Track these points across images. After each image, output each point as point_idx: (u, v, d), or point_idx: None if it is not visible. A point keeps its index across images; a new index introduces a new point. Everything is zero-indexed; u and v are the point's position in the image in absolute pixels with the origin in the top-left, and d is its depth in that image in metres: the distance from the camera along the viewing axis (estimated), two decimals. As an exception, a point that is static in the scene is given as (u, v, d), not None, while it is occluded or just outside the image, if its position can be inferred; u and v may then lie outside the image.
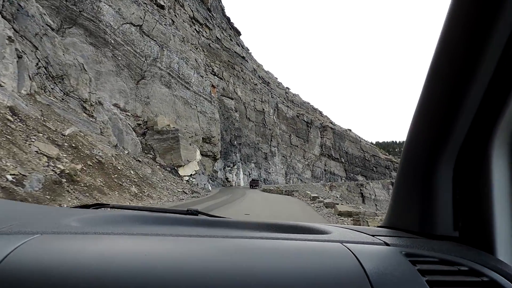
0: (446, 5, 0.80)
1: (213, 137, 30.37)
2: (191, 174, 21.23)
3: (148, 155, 20.20)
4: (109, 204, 1.53)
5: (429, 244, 0.85)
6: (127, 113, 22.48)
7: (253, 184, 44.35)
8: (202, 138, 28.75)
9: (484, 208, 0.84)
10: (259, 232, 1.02)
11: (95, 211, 1.22)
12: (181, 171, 20.30)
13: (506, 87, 0.77)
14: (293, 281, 0.64)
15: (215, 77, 48.25)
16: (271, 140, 74.46)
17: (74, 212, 1.13)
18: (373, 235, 0.95)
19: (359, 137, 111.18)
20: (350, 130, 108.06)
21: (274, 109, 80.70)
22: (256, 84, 75.04)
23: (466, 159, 0.88)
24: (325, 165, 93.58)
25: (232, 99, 53.66)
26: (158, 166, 19.57)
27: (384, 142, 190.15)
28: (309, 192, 32.25)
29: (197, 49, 35.71)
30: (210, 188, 25.12)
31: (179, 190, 17.93)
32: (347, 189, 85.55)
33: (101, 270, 0.61)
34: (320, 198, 26.90)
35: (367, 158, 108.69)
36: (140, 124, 22.16)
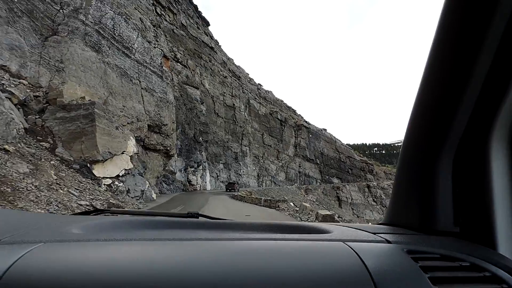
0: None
1: (164, 125, 22.46)
2: (118, 176, 13.41)
3: (41, 143, 12.15)
4: (109, 210, 1.54)
5: (430, 240, 0.86)
6: (22, 80, 14.25)
7: (230, 187, 40.84)
8: (148, 125, 20.82)
9: (484, 203, 0.84)
10: (260, 233, 1.04)
11: (95, 218, 1.20)
12: (97, 170, 12.51)
13: (503, 81, 0.77)
14: (297, 281, 0.64)
15: (178, 64, 40.63)
16: (242, 139, 67.51)
17: (75, 219, 1.11)
18: (374, 233, 0.95)
19: (334, 137, 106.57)
20: (325, 129, 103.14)
21: (246, 105, 73.97)
22: (226, 77, 68.13)
23: (465, 154, 0.89)
24: (300, 166, 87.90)
25: (197, 88, 45.89)
26: (54, 162, 11.57)
27: (355, 144, 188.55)
28: (292, 204, 26.56)
29: (155, 27, 27.33)
30: (154, 196, 17.33)
31: (82, 202, 10.09)
32: (323, 192, 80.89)
33: (106, 277, 0.61)
34: (307, 206, 20.34)
35: (342, 160, 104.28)
36: (39, 96, 13.99)
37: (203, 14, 65.47)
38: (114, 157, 13.31)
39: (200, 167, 42.78)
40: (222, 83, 65.58)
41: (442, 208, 0.91)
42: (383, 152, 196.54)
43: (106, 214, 1.48)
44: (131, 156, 14.58)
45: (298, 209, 22.66)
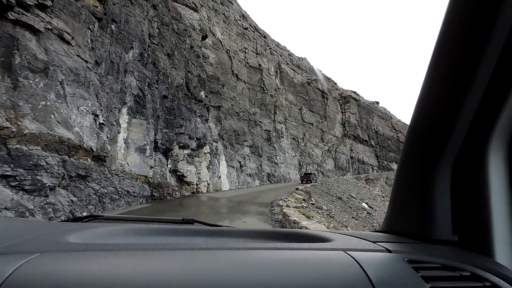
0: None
1: None
2: None
3: None
4: (102, 216, 1.51)
5: (430, 249, 0.87)
6: None
7: (305, 179, 35.63)
8: None
9: (482, 212, 0.86)
10: (258, 240, 1.03)
11: (89, 225, 1.19)
12: None
13: (502, 93, 0.79)
14: None
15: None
16: (275, 113, 47.31)
17: (69, 226, 1.10)
18: (374, 241, 0.96)
19: (389, 112, 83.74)
20: (377, 103, 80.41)
21: (276, 70, 53.52)
22: (246, 28, 47.97)
23: (463, 163, 0.90)
24: (351, 150, 66.40)
25: (194, 10, 25.78)
26: None
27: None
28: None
29: None
30: None
31: None
32: (386, 182, 59.76)
33: None
34: None
35: (401, 140, 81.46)
36: None
37: None
38: None
39: (205, 149, 22.72)
40: (241, 35, 45.72)
41: (441, 217, 0.91)
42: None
43: (98, 220, 1.45)
44: None
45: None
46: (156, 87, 16.68)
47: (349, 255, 0.79)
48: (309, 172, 41.32)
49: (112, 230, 1.07)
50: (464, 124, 0.84)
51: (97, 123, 10.44)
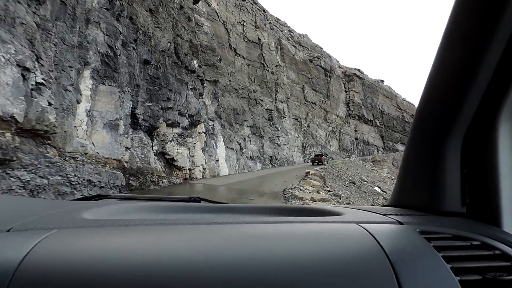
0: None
1: None
2: None
3: None
4: (110, 195, 1.52)
5: (440, 221, 0.89)
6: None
7: (316, 160, 34.33)
8: None
9: (490, 184, 0.87)
10: (268, 215, 1.02)
11: (103, 203, 1.20)
12: None
13: None
14: (314, 264, 0.64)
15: None
16: (277, 91, 43.82)
17: (84, 205, 1.10)
18: (384, 214, 0.97)
19: (394, 91, 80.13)
20: (382, 81, 76.68)
21: (277, 46, 49.64)
22: (244, 0, 43.83)
23: (473, 136, 0.91)
24: (356, 131, 63.26)
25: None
26: None
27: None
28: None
29: None
30: None
31: None
32: (393, 164, 56.74)
33: (123, 262, 0.62)
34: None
35: (406, 120, 78.34)
36: None
37: None
38: None
39: (200, 128, 19.44)
40: (239, 7, 41.74)
41: (450, 190, 0.93)
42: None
43: (106, 199, 1.45)
44: None
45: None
46: (134, 48, 13.24)
47: (362, 227, 0.79)
48: (320, 154, 39.38)
49: (126, 208, 1.09)
50: (475, 98, 0.84)
51: (29, 81, 6.98)
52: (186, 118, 17.45)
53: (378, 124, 68.68)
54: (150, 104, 14.19)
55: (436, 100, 0.94)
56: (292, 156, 42.35)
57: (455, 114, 0.88)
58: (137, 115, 13.18)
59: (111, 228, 0.78)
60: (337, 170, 28.90)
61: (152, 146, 14.55)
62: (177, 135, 16.65)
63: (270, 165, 35.55)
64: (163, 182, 13.78)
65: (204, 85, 21.52)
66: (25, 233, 0.71)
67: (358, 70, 69.06)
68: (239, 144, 28.96)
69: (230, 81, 31.55)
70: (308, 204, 8.91)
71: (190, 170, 17.63)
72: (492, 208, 0.86)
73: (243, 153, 29.54)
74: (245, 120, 31.77)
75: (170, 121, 15.93)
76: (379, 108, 69.95)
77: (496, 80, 0.81)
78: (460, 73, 0.84)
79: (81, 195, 8.63)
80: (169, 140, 15.96)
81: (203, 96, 21.31)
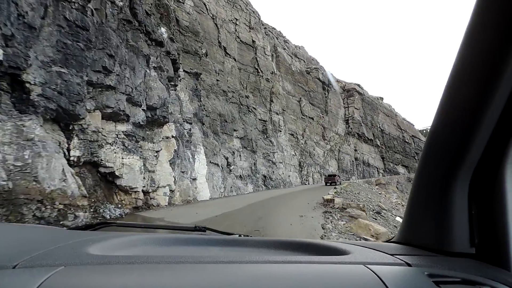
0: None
1: None
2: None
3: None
4: (115, 223, 1.53)
5: (448, 262, 0.88)
6: None
7: (330, 180, 32.01)
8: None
9: (499, 224, 0.86)
10: (274, 251, 1.05)
11: (105, 234, 1.20)
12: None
13: None
14: None
15: None
16: (272, 101, 38.05)
17: (86, 236, 1.12)
18: (392, 254, 0.96)
19: (394, 110, 75.50)
20: (381, 98, 72.05)
21: (272, 53, 44.26)
22: (238, -2, 38.63)
23: (481, 176, 0.90)
24: (356, 150, 57.62)
25: None
26: None
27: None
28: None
29: None
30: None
31: None
32: (397, 187, 51.05)
33: None
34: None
35: (407, 140, 73.48)
36: None
37: None
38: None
39: (168, 130, 12.76)
40: (231, 3, 36.42)
41: (458, 229, 0.92)
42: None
43: (110, 227, 1.49)
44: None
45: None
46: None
47: (370, 269, 0.78)
48: (333, 174, 37.04)
49: (130, 241, 1.09)
50: (482, 138, 0.84)
51: None
52: (143, 109, 11.02)
53: (378, 143, 63.38)
54: (63, 70, 7.77)
55: (443, 139, 0.92)
56: (288, 176, 36.09)
57: (462, 154, 0.87)
58: (24, 81, 6.71)
59: (116, 266, 0.77)
60: (351, 195, 22.61)
61: (66, 150, 8.01)
62: (123, 136, 10.17)
63: (263, 186, 29.15)
64: (76, 216, 7.15)
65: (180, 71, 15.21)
66: (31, 270, 0.70)
67: (358, 85, 64.23)
68: (226, 159, 22.56)
69: (217, 80, 25.46)
70: None
71: (146, 193, 11.01)
72: (501, 249, 0.84)
73: (231, 170, 23.11)
74: (234, 130, 25.53)
75: (110, 110, 9.53)
76: (379, 127, 64.89)
77: (503, 120, 0.80)
78: (467, 113, 0.83)
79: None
80: (107, 143, 9.45)
81: (177, 87, 14.96)
